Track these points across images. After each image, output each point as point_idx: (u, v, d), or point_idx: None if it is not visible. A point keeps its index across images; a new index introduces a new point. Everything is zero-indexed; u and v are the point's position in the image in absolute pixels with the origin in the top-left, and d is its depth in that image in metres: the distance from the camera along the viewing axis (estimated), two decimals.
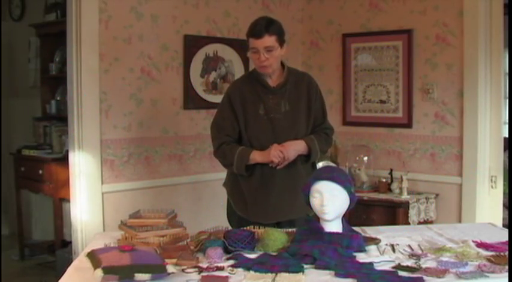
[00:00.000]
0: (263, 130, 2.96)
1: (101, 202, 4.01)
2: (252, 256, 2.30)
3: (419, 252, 2.38)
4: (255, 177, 2.98)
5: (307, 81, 3.09)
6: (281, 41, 2.93)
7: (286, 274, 2.07)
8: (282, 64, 3.05)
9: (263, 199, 2.96)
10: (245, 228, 2.63)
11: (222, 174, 3.23)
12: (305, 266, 2.16)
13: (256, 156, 2.93)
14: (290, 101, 3.00)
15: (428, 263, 2.23)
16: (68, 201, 4.22)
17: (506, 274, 2.09)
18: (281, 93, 3.00)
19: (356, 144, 4.81)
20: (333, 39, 5.01)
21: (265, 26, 2.87)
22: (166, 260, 2.10)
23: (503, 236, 2.64)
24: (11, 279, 4.92)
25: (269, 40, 2.86)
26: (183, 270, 2.14)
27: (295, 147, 2.94)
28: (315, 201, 2.40)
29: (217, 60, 4.64)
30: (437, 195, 4.43)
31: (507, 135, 4.83)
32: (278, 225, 2.91)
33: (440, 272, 2.10)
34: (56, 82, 5.41)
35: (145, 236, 2.47)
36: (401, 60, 4.59)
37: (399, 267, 2.18)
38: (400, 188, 4.37)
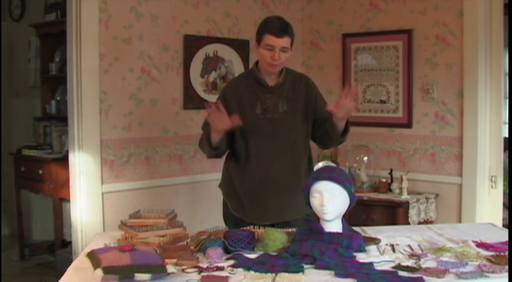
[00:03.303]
0: (260, 130, 2.92)
1: (101, 202, 4.01)
2: (252, 256, 2.30)
3: (419, 252, 2.38)
4: (250, 178, 2.94)
5: (305, 82, 3.06)
6: (292, 44, 2.96)
7: (286, 274, 2.07)
8: None
9: (259, 200, 2.93)
10: (245, 228, 2.63)
11: None
12: (305, 266, 2.16)
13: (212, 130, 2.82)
14: (288, 101, 2.97)
15: (428, 263, 2.23)
16: (68, 201, 4.22)
17: (506, 274, 2.09)
18: (279, 93, 2.97)
19: (356, 144, 4.80)
20: (333, 39, 5.00)
21: (285, 26, 2.89)
22: (166, 260, 2.10)
23: (503, 236, 2.64)
24: (11, 279, 4.92)
25: (287, 41, 2.89)
26: (183, 270, 2.14)
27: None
28: (315, 201, 2.40)
29: (217, 60, 4.64)
30: (437, 195, 4.43)
31: (507, 135, 4.83)
32: (275, 225, 2.87)
33: (440, 272, 2.10)
34: (56, 82, 5.40)
35: (145, 236, 2.47)
36: (401, 60, 4.59)
37: (399, 267, 2.17)
38: (400, 188, 4.36)
